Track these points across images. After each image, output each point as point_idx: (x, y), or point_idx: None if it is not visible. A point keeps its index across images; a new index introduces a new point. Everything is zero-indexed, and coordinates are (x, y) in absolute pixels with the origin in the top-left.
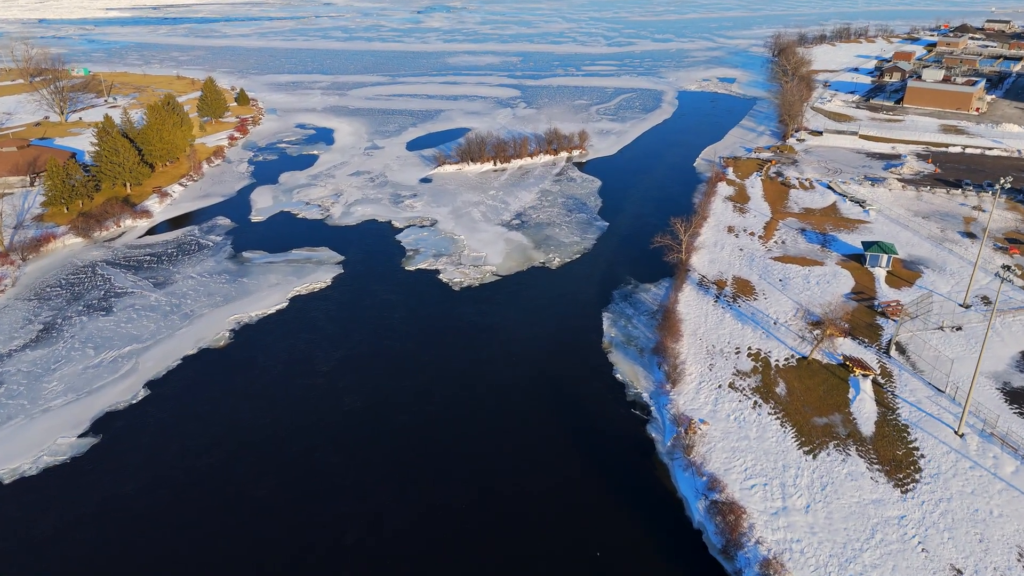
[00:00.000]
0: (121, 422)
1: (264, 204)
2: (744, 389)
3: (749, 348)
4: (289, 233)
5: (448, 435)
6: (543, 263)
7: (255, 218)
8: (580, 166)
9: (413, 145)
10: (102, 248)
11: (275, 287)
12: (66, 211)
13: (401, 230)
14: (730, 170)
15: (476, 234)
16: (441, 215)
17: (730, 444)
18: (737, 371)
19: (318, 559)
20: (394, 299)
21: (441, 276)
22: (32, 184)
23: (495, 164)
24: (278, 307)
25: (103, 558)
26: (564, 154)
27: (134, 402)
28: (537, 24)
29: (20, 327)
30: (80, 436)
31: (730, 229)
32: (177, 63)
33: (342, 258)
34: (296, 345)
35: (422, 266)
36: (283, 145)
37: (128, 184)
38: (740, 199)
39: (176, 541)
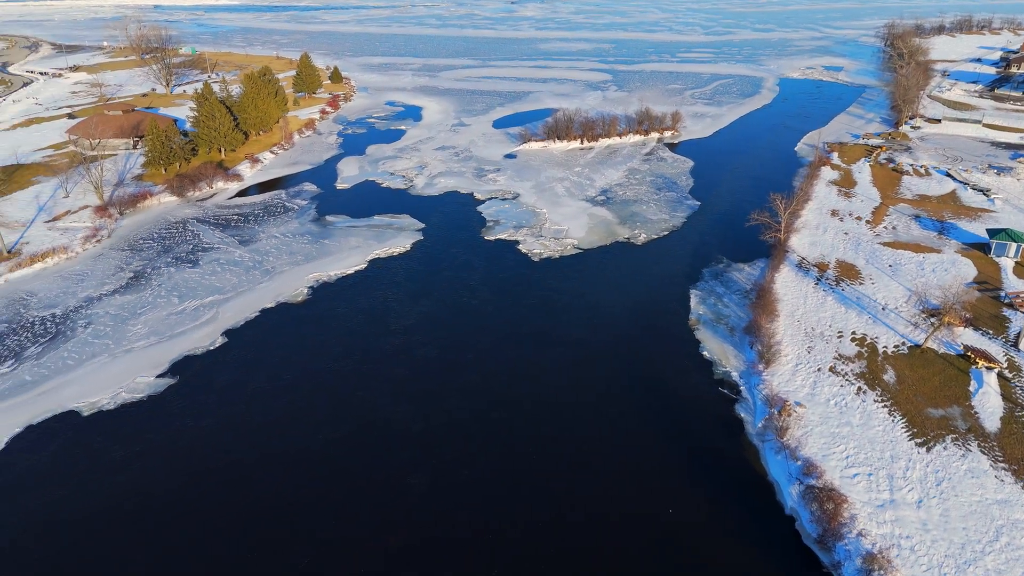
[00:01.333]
0: (198, 365)
1: (350, 173)
2: (847, 374)
3: (853, 333)
4: (372, 201)
5: (520, 394)
6: (628, 239)
7: (340, 186)
8: (672, 147)
9: (500, 123)
10: (194, 207)
11: (355, 249)
12: (164, 172)
13: (482, 202)
14: (835, 155)
15: (559, 208)
16: (524, 189)
17: (829, 429)
18: (839, 355)
19: (376, 495)
20: (472, 265)
21: (520, 247)
22: (134, 147)
23: (582, 143)
24: (357, 268)
25: (169, 487)
26: (655, 135)
27: (211, 348)
28: (632, 14)
29: (112, 274)
30: (158, 376)
31: (834, 212)
32: (277, 45)
33: (422, 226)
34: (372, 303)
35: (502, 236)
36: (372, 120)
37: (223, 150)
38: (846, 184)
39: (241, 475)
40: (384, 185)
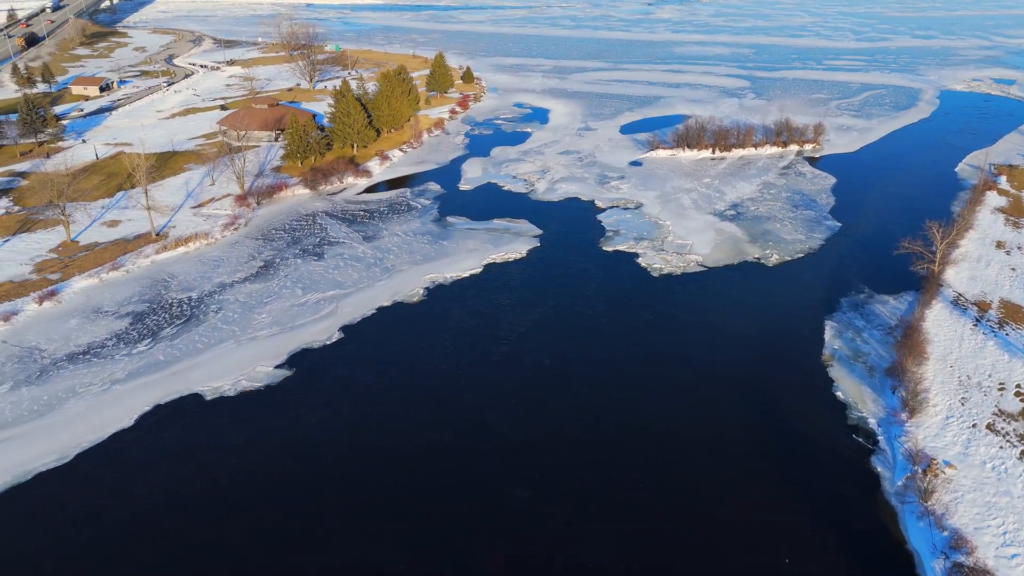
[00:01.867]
0: (314, 358)
1: (473, 174)
2: (1008, 434)
3: (1018, 386)
4: (492, 203)
5: (631, 413)
6: (758, 259)
7: (463, 186)
8: (812, 161)
9: (627, 128)
10: (324, 200)
11: (472, 252)
12: (300, 165)
13: (603, 210)
14: (1003, 179)
15: (683, 221)
16: (647, 199)
17: (984, 498)
18: (1000, 411)
19: (473, 502)
20: (588, 275)
21: (640, 260)
22: (276, 139)
23: (714, 152)
24: (472, 272)
25: (279, 472)
26: (794, 147)
27: (328, 342)
28: (776, 17)
29: (245, 262)
30: (277, 367)
31: (999, 244)
32: (415, 44)
33: (540, 232)
34: (486, 307)
35: (621, 248)
36: (499, 122)
37: (355, 146)
38: (1015, 212)
39: (345, 468)
40: (505, 188)
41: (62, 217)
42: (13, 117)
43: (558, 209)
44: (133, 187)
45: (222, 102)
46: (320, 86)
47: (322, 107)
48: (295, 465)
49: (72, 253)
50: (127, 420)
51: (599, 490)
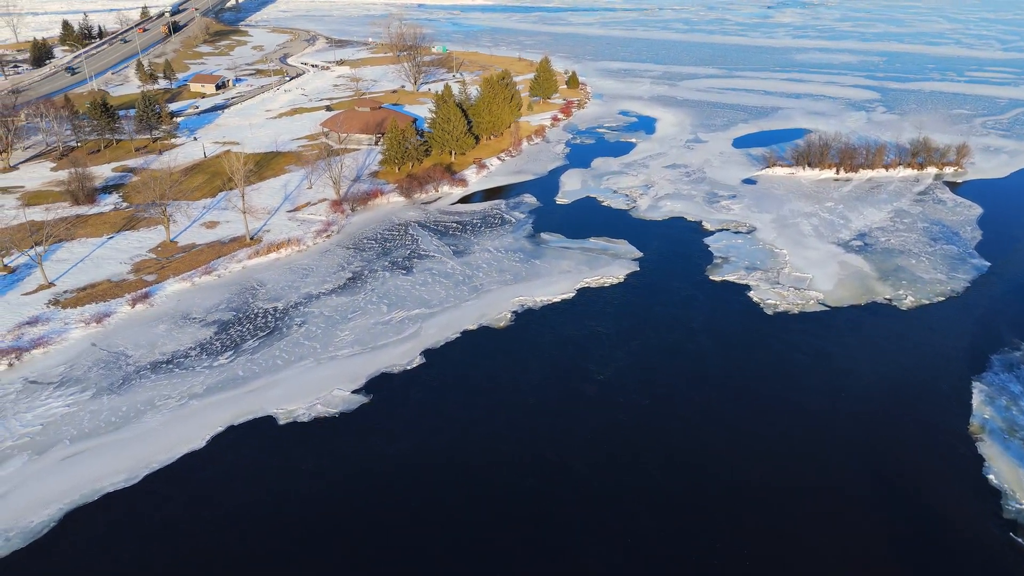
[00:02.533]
0: (393, 385)
1: (572, 187)
2: None
3: None
4: (590, 220)
5: (733, 473)
6: (889, 300)
7: (560, 200)
8: (954, 187)
9: (741, 142)
10: (418, 210)
11: (565, 274)
12: (397, 171)
13: (711, 233)
14: None
15: (802, 250)
16: (762, 222)
17: None
18: None
19: (546, 558)
20: (693, 306)
21: (752, 294)
22: (376, 143)
23: (838, 172)
24: (564, 296)
25: (353, 504)
26: (932, 170)
27: (409, 367)
28: (910, 23)
29: (334, 272)
30: (354, 391)
31: None
32: (521, 46)
33: (640, 254)
34: (578, 337)
35: (730, 278)
36: (602, 130)
37: (453, 153)
38: None
39: (420, 506)
40: (605, 203)
41: (163, 217)
42: (133, 112)
43: (661, 229)
44: (233, 188)
45: (328, 102)
46: (424, 88)
47: (424, 111)
48: (366, 498)
49: (170, 254)
50: (199, 441)
51: (693, 563)
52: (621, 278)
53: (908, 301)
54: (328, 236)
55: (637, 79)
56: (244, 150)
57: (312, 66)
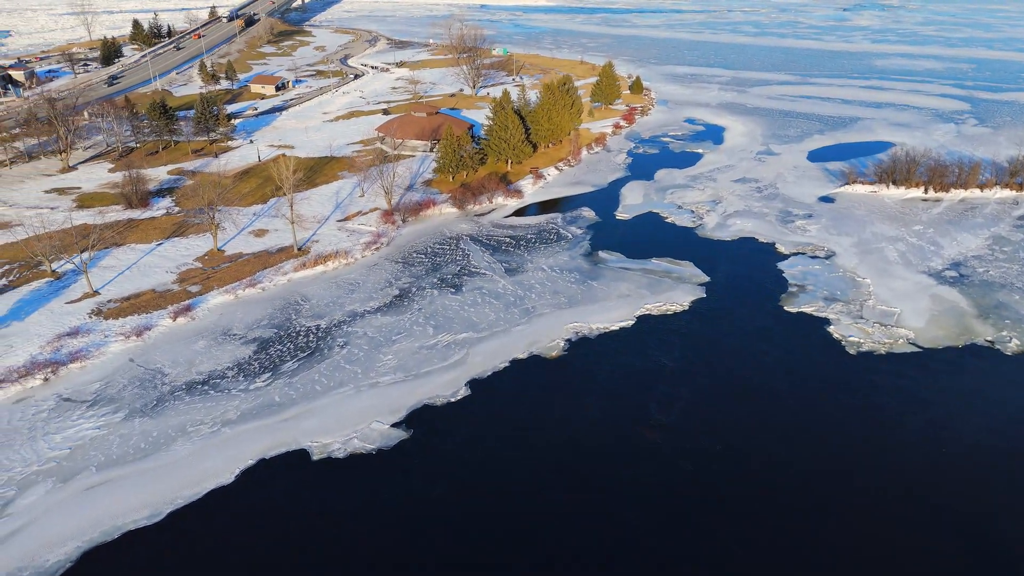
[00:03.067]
0: (435, 418)
1: (633, 201)
2: None
3: None
4: (652, 238)
5: (818, 547)
6: (991, 342)
7: (620, 215)
8: None
9: (816, 155)
10: (471, 222)
11: (624, 299)
12: (451, 180)
13: (785, 257)
14: None
15: (888, 280)
16: (841, 247)
17: None
18: None
19: None
20: (766, 341)
21: (832, 329)
22: (431, 150)
23: (926, 191)
24: (622, 324)
25: (385, 552)
26: None
27: (452, 400)
28: (998, 27)
29: (380, 288)
30: (393, 425)
31: None
32: (584, 49)
33: (706, 279)
34: (637, 371)
35: (807, 309)
36: (667, 139)
37: (509, 161)
38: None
39: (460, 560)
40: (668, 220)
41: (211, 224)
42: (192, 113)
43: (730, 250)
44: (285, 195)
45: (385, 106)
46: (483, 92)
47: (482, 116)
48: (399, 546)
49: (216, 263)
50: (227, 475)
51: None
52: (686, 305)
53: (1013, 345)
54: (377, 249)
55: (704, 85)
56: (298, 154)
57: (372, 68)
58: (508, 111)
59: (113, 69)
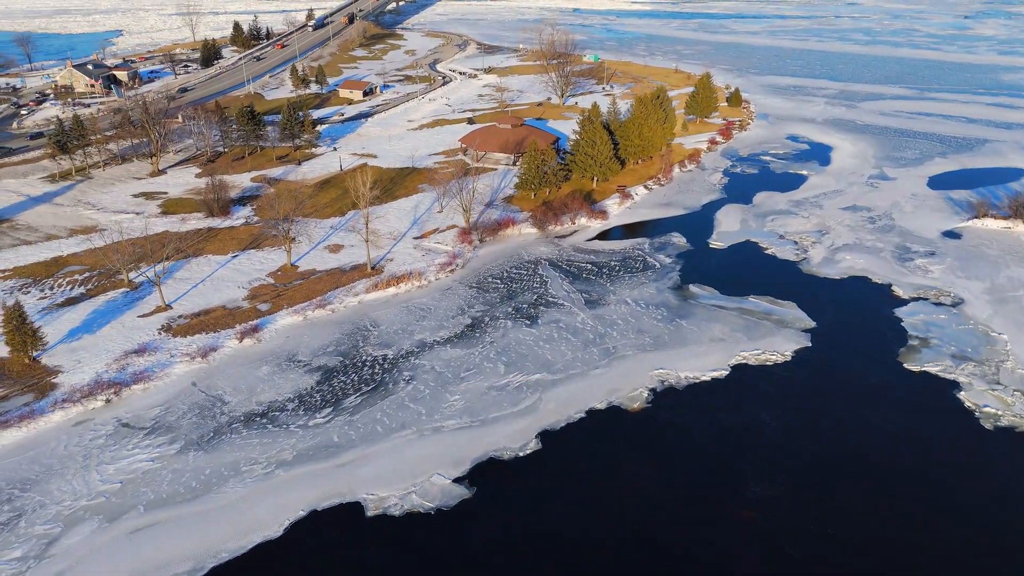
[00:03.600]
0: (501, 474)
1: (729, 227)
2: None
3: None
4: (750, 271)
5: None
6: None
7: (714, 243)
8: None
9: (938, 182)
10: (550, 245)
11: (717, 343)
12: (532, 197)
13: (905, 302)
14: None
15: None
16: (971, 293)
17: None
18: None
19: None
20: (882, 402)
21: (963, 395)
22: (514, 163)
23: None
24: (714, 373)
25: None
26: None
27: (521, 454)
28: None
29: (452, 316)
30: (455, 480)
31: None
32: (679, 56)
33: (812, 324)
34: (727, 433)
35: (931, 368)
36: (767, 158)
37: (595, 179)
38: None
39: None
40: (768, 251)
41: (285, 239)
42: (279, 118)
43: (839, 291)
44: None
45: (470, 114)
46: (571, 102)
47: (569, 128)
48: None
49: (288, 280)
50: (276, 528)
51: None
52: (788, 355)
53: None
54: (451, 271)
55: (809, 98)
56: (380, 164)
57: (459, 73)
58: (596, 125)
59: (211, 71)
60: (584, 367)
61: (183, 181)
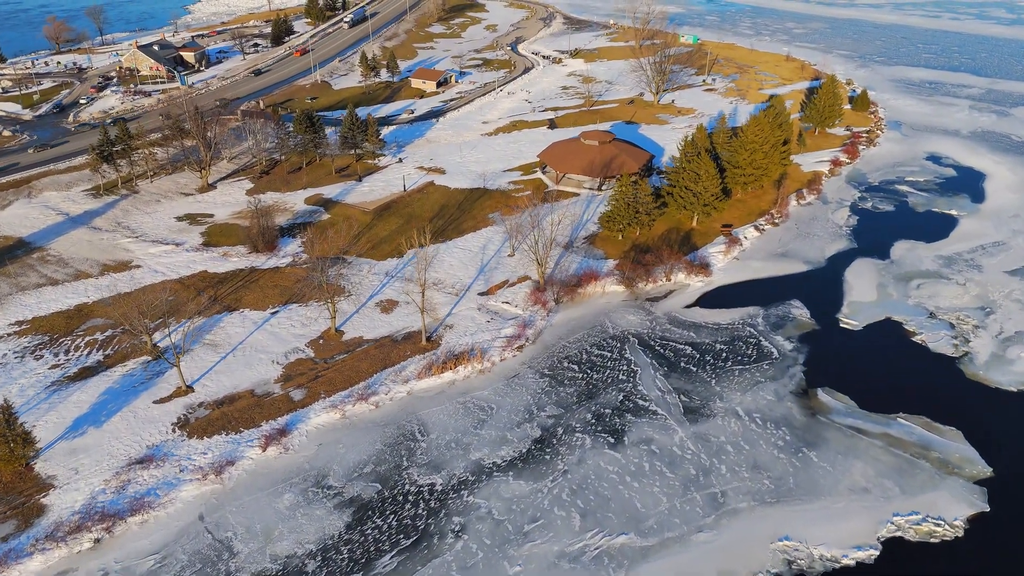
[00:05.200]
0: None
1: (863, 294)
2: None
3: None
4: (895, 371)
5: None
6: None
7: (846, 321)
8: None
9: None
10: (640, 312)
11: (859, 497)
12: (620, 236)
13: None
14: None
15: None
16: None
17: None
18: None
19: None
20: None
21: None
22: (599, 188)
23: None
24: (859, 554)
25: None
26: None
27: None
28: None
29: (517, 423)
30: None
31: None
32: (789, 37)
33: (987, 471)
34: None
35: None
36: (904, 188)
37: (696, 216)
38: None
39: None
40: (916, 338)
41: (330, 301)
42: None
43: (1018, 410)
44: (424, 245)
45: (552, 114)
46: (666, 99)
47: (664, 134)
48: None
49: (330, 353)
50: None
51: None
52: (959, 526)
53: None
54: (520, 348)
55: (949, 99)
56: (448, 182)
57: (543, 58)
58: (703, 157)
59: (279, 51)
60: (684, 526)
61: (232, 199)
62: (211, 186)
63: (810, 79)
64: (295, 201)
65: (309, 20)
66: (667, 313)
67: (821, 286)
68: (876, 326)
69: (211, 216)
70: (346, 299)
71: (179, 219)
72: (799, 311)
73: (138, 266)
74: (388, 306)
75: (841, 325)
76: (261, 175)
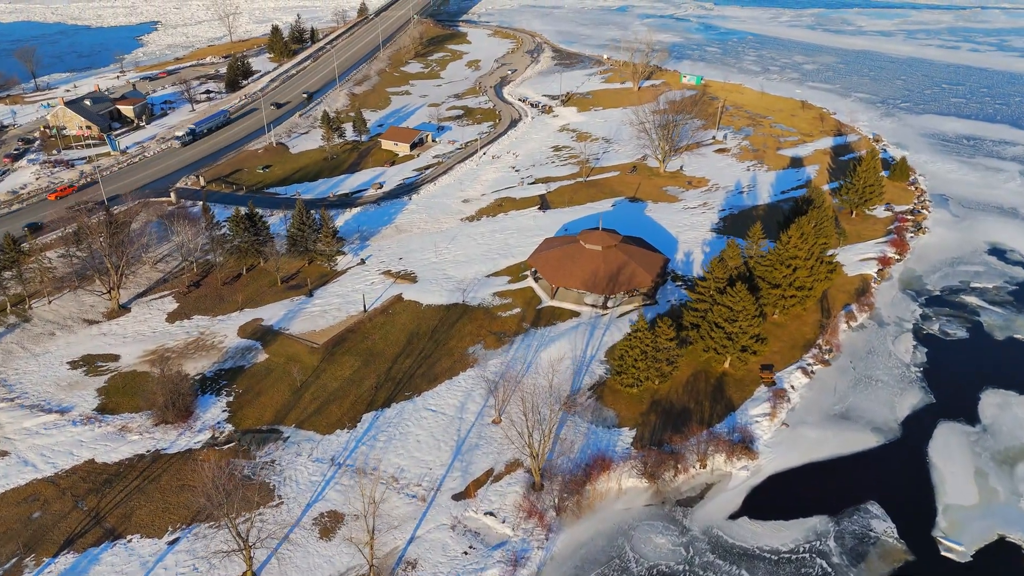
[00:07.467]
0: None
1: (959, 492)
2: None
3: None
4: None
5: None
6: None
7: (947, 547)
8: None
9: None
10: (671, 529)
11: None
12: (634, 390)
13: None
14: None
15: None
16: None
17: None
18: None
19: None
20: None
21: None
22: (604, 305)
23: None
24: None
25: None
26: None
27: None
28: None
29: None
30: None
31: None
32: (800, 75)
33: None
34: None
35: None
36: (971, 300)
37: (729, 358)
38: None
39: None
40: None
41: (245, 547)
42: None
43: None
44: (383, 406)
45: (544, 188)
46: (674, 164)
47: (676, 219)
48: None
49: None
50: None
51: None
52: None
53: None
54: None
55: (995, 164)
56: (420, 295)
57: (531, 105)
58: (739, 289)
59: (235, 99)
60: None
61: (148, 329)
62: (123, 308)
63: (832, 134)
64: (226, 331)
65: (272, 56)
66: (707, 529)
67: (902, 474)
68: (989, 552)
69: (116, 359)
70: (274, 508)
71: (73, 365)
72: (881, 524)
73: (4, 452)
74: (329, 527)
75: (942, 553)
76: (189, 288)
